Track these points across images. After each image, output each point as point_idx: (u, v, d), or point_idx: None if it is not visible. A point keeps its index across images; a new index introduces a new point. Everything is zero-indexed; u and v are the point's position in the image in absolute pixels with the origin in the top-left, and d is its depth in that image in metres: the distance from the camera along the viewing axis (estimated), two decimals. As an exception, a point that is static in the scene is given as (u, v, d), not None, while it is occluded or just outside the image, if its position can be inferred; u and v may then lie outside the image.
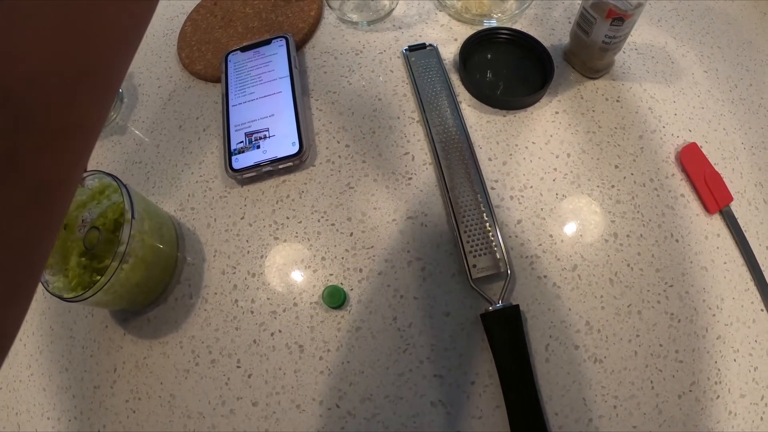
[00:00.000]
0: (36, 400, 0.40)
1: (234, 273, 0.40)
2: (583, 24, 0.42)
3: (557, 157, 0.42)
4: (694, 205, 0.40)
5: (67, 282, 0.38)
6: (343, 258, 0.39)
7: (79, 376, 0.40)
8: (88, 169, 0.49)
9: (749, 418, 0.34)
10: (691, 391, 0.34)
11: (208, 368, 0.38)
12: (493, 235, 0.37)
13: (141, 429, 0.37)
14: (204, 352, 0.38)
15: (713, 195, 0.39)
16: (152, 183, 0.46)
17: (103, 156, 0.50)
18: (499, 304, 0.35)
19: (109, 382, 0.39)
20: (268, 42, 0.49)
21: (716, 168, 0.41)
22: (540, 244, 0.38)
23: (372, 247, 0.39)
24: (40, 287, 0.44)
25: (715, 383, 0.34)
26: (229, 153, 0.43)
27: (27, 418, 0.40)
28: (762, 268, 0.38)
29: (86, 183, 0.40)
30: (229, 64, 0.49)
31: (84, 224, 0.40)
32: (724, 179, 0.40)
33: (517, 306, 0.35)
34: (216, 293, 0.40)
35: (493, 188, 0.41)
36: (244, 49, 0.49)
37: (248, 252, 0.41)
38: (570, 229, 0.39)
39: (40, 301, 0.44)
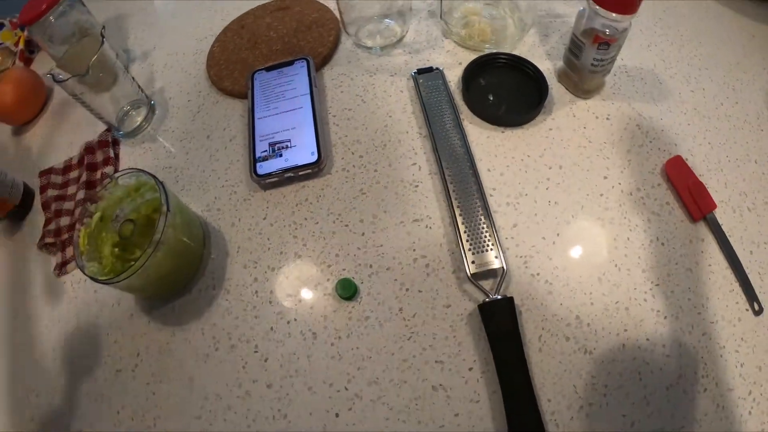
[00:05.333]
0: (57, 382, 0.42)
1: (255, 267, 0.44)
2: (574, 49, 0.46)
3: (550, 168, 0.46)
4: (679, 213, 0.42)
5: (101, 268, 0.40)
6: (355, 255, 0.43)
7: (101, 361, 0.42)
8: (123, 168, 0.53)
9: (737, 412, 0.34)
10: (678, 383, 0.35)
11: (227, 353, 0.40)
12: (490, 236, 0.41)
13: (159, 409, 0.39)
14: (224, 338, 0.41)
15: (697, 203, 0.42)
16: (181, 186, 0.51)
17: (135, 161, 0.54)
18: (496, 296, 0.38)
19: (131, 365, 0.41)
20: (290, 63, 0.54)
21: (701, 179, 0.43)
22: (533, 245, 0.41)
23: (381, 245, 0.43)
24: (77, 272, 0.47)
25: (702, 377, 0.35)
26: (254, 160, 0.47)
27: (47, 399, 0.42)
28: (747, 271, 0.39)
29: (122, 180, 0.43)
30: (256, 82, 0.54)
31: (118, 219, 0.43)
32: (709, 189, 0.42)
33: (512, 298, 0.38)
34: (237, 285, 0.43)
35: (491, 195, 0.44)
36: (269, 69, 0.55)
37: (269, 249, 0.44)
38: (561, 232, 0.42)
39: (69, 290, 0.47)
